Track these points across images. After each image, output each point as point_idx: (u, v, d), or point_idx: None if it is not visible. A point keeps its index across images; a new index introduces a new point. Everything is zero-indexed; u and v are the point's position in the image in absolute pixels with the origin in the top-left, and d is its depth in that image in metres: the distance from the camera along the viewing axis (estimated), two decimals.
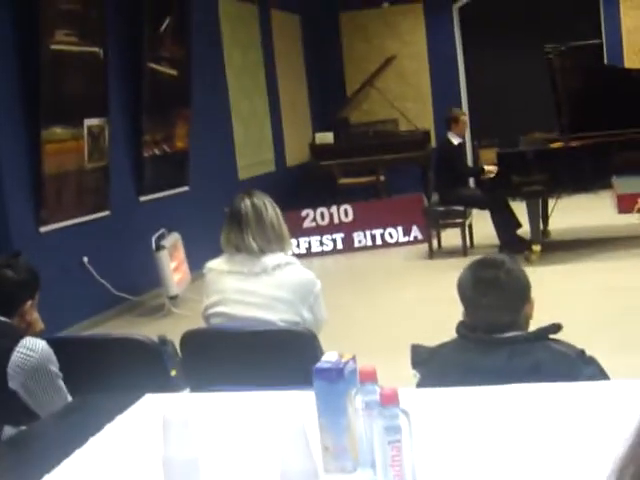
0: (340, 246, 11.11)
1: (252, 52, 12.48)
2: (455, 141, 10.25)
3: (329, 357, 2.20)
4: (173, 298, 8.74)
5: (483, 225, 10.18)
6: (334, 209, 11.14)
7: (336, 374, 2.14)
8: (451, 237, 10.30)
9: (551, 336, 2.86)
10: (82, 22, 8.13)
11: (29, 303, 3.54)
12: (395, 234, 11.12)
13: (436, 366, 2.89)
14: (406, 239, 11.07)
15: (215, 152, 11.06)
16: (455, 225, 10.04)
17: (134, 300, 9.01)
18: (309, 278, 3.99)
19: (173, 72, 9.97)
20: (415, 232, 11.03)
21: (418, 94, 14.54)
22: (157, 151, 9.77)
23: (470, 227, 10.23)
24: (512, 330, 2.82)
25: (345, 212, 11.13)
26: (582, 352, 2.81)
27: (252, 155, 12.02)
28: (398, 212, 11.15)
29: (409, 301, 8.25)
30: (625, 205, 11.04)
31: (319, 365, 2.18)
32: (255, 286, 3.86)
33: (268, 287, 3.85)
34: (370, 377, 2.05)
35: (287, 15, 13.85)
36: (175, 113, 10.08)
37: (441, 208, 10.10)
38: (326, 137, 13.62)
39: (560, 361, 2.75)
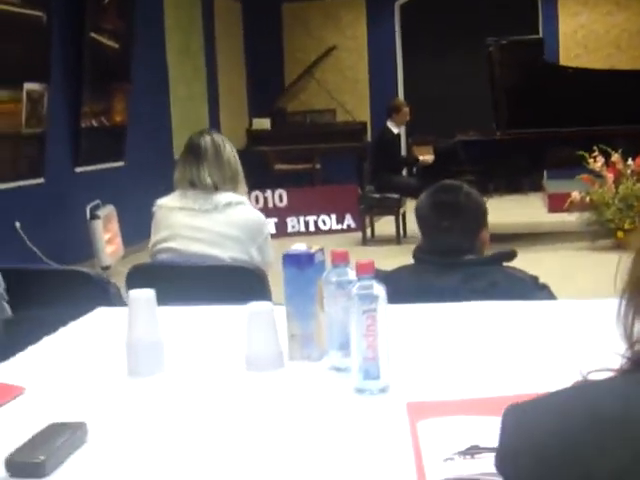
0: (273, 230, 11.09)
1: (193, 35, 12.44)
2: (394, 130, 10.34)
3: (298, 247, 2.21)
4: (105, 269, 8.66)
5: None
6: (269, 193, 11.14)
7: (306, 260, 2.15)
8: (384, 226, 10.37)
9: (505, 264, 2.90)
10: None
11: None
12: (328, 221, 11.16)
13: (391, 288, 2.90)
14: (339, 227, 11.12)
15: (152, 130, 11.00)
16: (390, 212, 10.10)
17: None
18: (259, 218, 3.99)
19: (115, 45, 9.89)
20: (348, 220, 11.08)
21: (355, 87, 14.61)
22: (95, 123, 9.67)
23: (404, 216, 10.30)
24: (469, 254, 2.85)
25: (280, 197, 11.14)
26: (536, 278, 2.85)
27: (188, 136, 11.93)
28: (332, 200, 11.19)
29: None
30: (555, 204, 11.21)
31: (289, 252, 2.18)
32: (205, 223, 3.85)
33: (218, 224, 3.84)
34: (342, 259, 2.06)
35: (229, 2, 13.83)
36: (115, 87, 9.99)
37: (376, 195, 10.15)
38: (263, 123, 13.63)
39: (515, 284, 2.79)
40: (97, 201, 8.89)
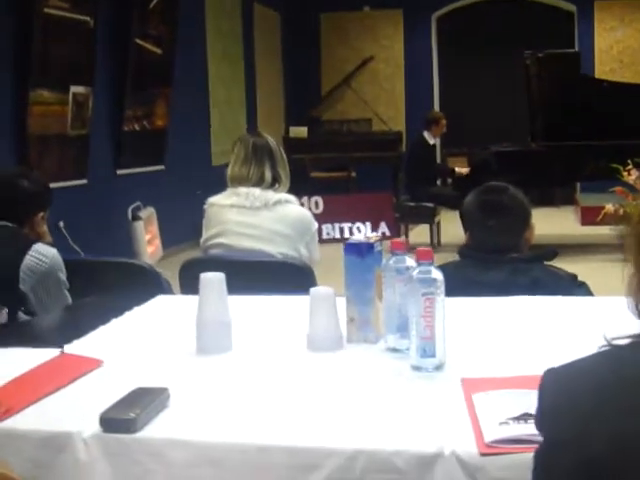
0: None
1: (233, 42, 12.63)
2: (430, 141, 10.49)
3: (358, 236, 2.37)
4: None
5: (450, 225, 10.37)
6: (305, 200, 11.26)
7: (366, 248, 2.30)
8: (419, 234, 10.50)
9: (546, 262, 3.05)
10: None
11: (40, 215, 3.64)
12: (363, 229, 11.29)
13: None
14: (374, 234, 11.22)
15: (191, 135, 11.18)
16: (424, 221, 10.23)
17: None
18: (308, 216, 4.16)
19: (158, 50, 10.09)
20: (383, 228, 11.20)
21: (391, 98, 14.75)
22: (137, 127, 9.87)
23: (438, 225, 10.43)
24: (512, 252, 3.00)
25: (316, 203, 11.29)
26: (575, 276, 3.00)
27: (226, 142, 12.07)
28: (367, 208, 11.32)
29: None
30: (588, 217, 11.29)
31: (350, 241, 2.34)
32: (256, 219, 4.00)
33: (268, 221, 3.99)
34: (401, 247, 2.22)
35: (269, 11, 14.02)
36: (157, 91, 10.19)
37: (411, 203, 10.29)
38: (300, 131, 13.78)
39: (556, 281, 2.94)
40: (138, 203, 9.08)
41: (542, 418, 1.32)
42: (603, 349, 1.35)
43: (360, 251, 2.30)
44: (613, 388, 1.23)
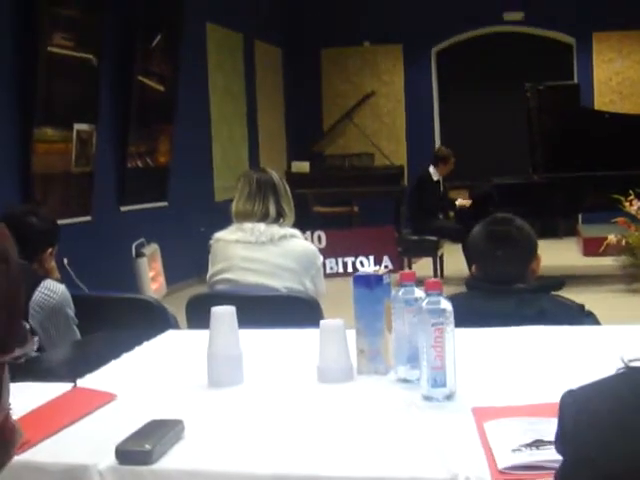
0: None
1: (235, 79, 12.72)
2: (434, 177, 10.51)
3: (366, 269, 2.39)
4: None
5: (453, 258, 10.40)
6: (308, 235, 11.29)
7: (375, 280, 2.33)
8: (422, 267, 10.51)
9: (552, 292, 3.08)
10: (80, 28, 8.30)
11: (49, 251, 3.68)
12: (366, 263, 11.31)
13: None
14: (381, 267, 11.24)
15: (193, 171, 11.23)
16: (427, 254, 10.26)
17: None
18: (313, 250, 4.18)
19: (160, 88, 10.17)
20: (386, 262, 11.22)
21: (393, 132, 14.83)
22: (140, 163, 9.93)
23: (441, 258, 10.46)
24: (520, 282, 3.02)
25: (319, 238, 11.31)
26: (582, 306, 3.02)
27: (229, 178, 12.13)
28: (370, 242, 11.35)
29: None
30: (591, 248, 11.33)
31: (358, 273, 2.37)
32: (261, 254, 4.03)
33: (274, 256, 4.02)
34: (410, 278, 2.25)
35: (270, 47, 14.13)
36: (159, 128, 10.26)
37: (414, 237, 10.32)
38: (302, 166, 13.85)
39: (564, 311, 2.96)
40: (142, 239, 9.12)
41: (563, 438, 1.34)
42: (620, 371, 1.38)
43: (369, 283, 2.33)
44: (632, 408, 1.25)
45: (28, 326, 3.26)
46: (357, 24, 14.47)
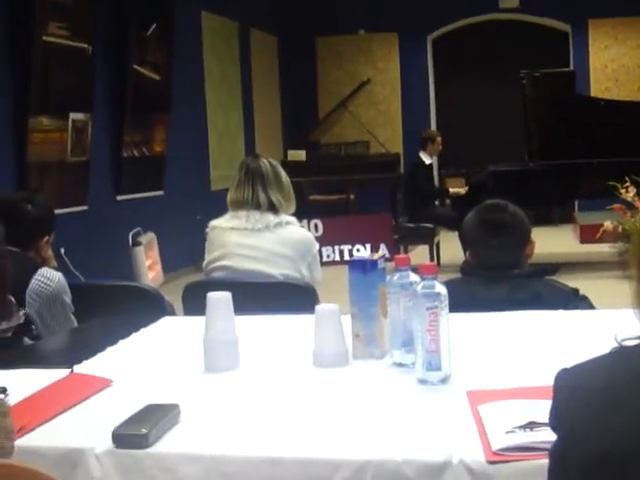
0: None
1: (230, 67, 12.70)
2: (427, 160, 10.53)
3: (361, 254, 2.40)
4: None
5: (450, 245, 10.39)
6: (304, 223, 11.27)
7: (370, 265, 2.34)
8: (419, 255, 10.51)
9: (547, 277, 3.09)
10: (74, 17, 8.29)
11: (45, 239, 3.67)
12: (363, 251, 11.30)
13: None
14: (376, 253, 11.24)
15: (189, 160, 11.22)
16: (424, 241, 10.27)
17: None
18: (309, 237, 4.19)
19: (156, 76, 10.15)
20: (383, 250, 11.20)
21: (388, 120, 14.82)
22: (136, 152, 9.92)
23: (438, 245, 10.46)
24: (515, 268, 3.03)
25: (315, 226, 11.30)
26: (577, 290, 3.03)
27: (225, 167, 12.13)
28: (367, 230, 11.32)
29: None
30: (587, 235, 11.33)
31: (354, 258, 2.38)
32: (257, 241, 4.03)
33: (270, 242, 4.02)
34: (404, 263, 2.25)
35: (266, 35, 14.11)
36: (155, 117, 10.24)
37: (410, 225, 10.33)
38: (298, 155, 13.85)
39: (558, 295, 2.97)
40: (138, 228, 9.12)
41: (557, 415, 1.36)
42: (614, 349, 1.40)
43: (364, 268, 2.33)
44: (626, 385, 1.27)
45: (23, 311, 3.28)
46: (352, 12, 14.43)
